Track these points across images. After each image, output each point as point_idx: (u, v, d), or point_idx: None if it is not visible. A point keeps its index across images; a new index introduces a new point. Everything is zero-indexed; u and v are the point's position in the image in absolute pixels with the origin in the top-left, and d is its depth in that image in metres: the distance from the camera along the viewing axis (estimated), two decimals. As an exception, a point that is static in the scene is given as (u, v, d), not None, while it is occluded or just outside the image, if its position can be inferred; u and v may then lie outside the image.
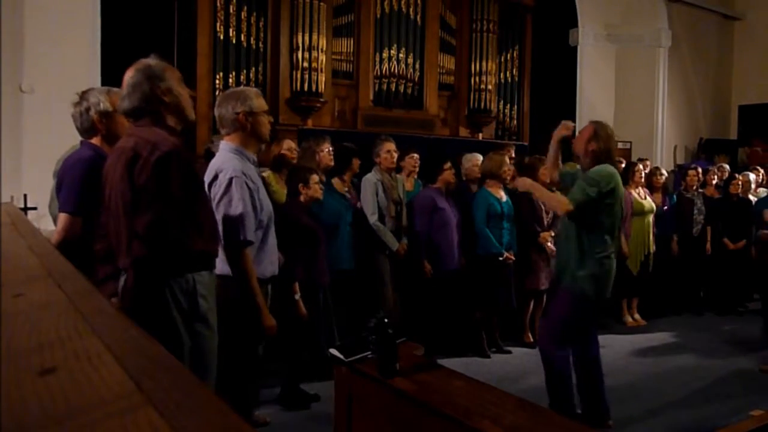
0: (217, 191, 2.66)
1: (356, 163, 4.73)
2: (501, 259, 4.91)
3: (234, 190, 2.64)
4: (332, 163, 4.57)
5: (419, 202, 4.92)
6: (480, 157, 5.29)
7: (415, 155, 5.21)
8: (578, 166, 3.71)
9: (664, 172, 6.64)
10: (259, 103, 2.81)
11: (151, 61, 2.26)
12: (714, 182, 7.00)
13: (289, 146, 4.48)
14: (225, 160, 2.73)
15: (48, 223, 3.03)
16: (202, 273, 2.22)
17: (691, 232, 6.60)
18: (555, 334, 3.51)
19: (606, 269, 3.43)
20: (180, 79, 2.29)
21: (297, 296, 3.71)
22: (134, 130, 2.23)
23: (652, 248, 6.14)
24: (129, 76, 2.24)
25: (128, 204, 2.09)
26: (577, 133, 3.77)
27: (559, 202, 3.50)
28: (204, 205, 2.31)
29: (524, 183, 3.73)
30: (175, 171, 2.10)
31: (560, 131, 3.74)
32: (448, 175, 4.93)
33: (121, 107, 2.28)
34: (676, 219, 6.55)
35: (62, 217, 2.55)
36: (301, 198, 3.88)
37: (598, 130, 3.51)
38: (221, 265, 2.56)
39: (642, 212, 6.01)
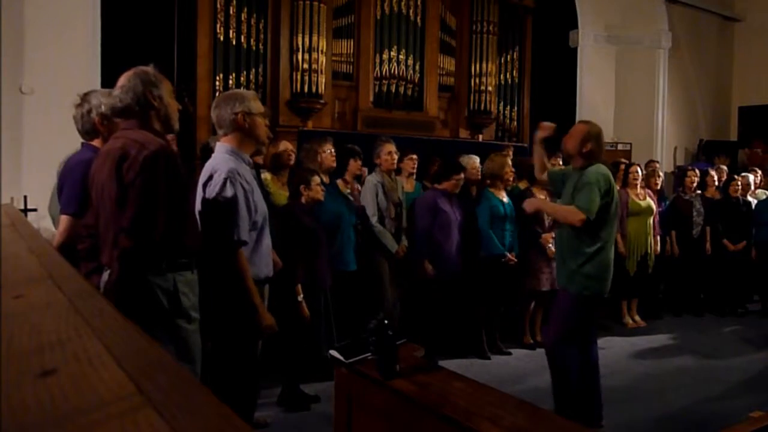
0: (211, 191, 2.67)
1: (353, 164, 4.72)
2: (504, 260, 4.91)
3: (228, 190, 2.65)
4: (334, 165, 4.57)
5: (421, 203, 4.92)
6: (477, 159, 5.28)
7: (414, 156, 5.20)
8: (560, 166, 3.73)
9: (661, 174, 6.66)
10: (257, 105, 2.85)
11: (149, 69, 2.36)
12: (715, 183, 6.99)
13: (285, 147, 4.46)
14: (220, 161, 2.75)
15: (49, 224, 3.04)
16: (182, 273, 2.27)
17: (690, 234, 6.60)
18: (559, 333, 3.51)
19: (603, 265, 3.43)
20: (171, 92, 2.40)
21: (300, 298, 3.71)
22: (122, 132, 2.30)
23: (655, 249, 6.16)
24: (125, 77, 2.32)
25: (116, 200, 2.16)
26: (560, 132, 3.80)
27: (571, 214, 3.41)
28: (188, 205, 2.37)
29: (532, 204, 3.81)
30: (162, 169, 2.16)
31: (541, 134, 3.79)
32: (455, 184, 4.89)
33: (112, 106, 2.37)
34: (672, 220, 6.57)
35: (64, 218, 2.56)
36: (302, 199, 3.88)
37: (591, 130, 3.53)
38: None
39: (639, 213, 6.02)
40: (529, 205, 3.79)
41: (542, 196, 4.96)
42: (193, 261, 2.36)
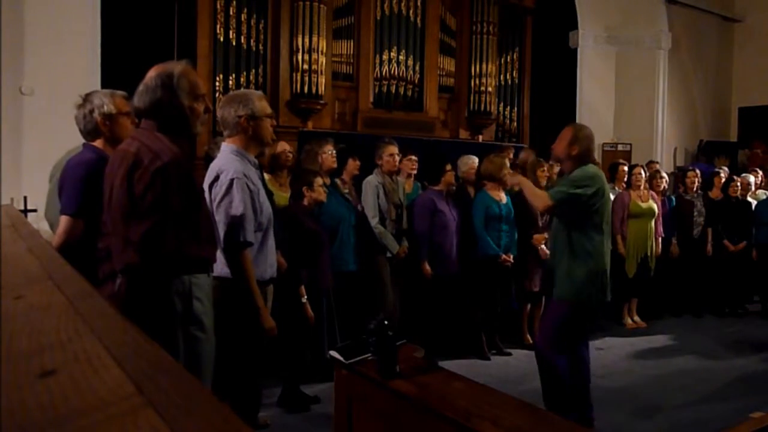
0: (217, 192, 2.66)
1: (352, 164, 4.73)
2: (499, 261, 4.91)
3: (235, 192, 2.64)
4: (335, 165, 4.58)
5: (419, 204, 4.93)
6: (476, 160, 5.28)
7: (413, 157, 5.19)
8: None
9: (664, 174, 6.65)
10: (262, 106, 2.80)
11: (176, 69, 2.25)
12: (720, 184, 6.95)
13: (282, 148, 4.46)
14: (226, 161, 2.73)
15: (47, 226, 3.03)
16: (198, 276, 2.21)
17: (691, 234, 6.60)
18: (551, 339, 3.47)
19: (594, 270, 3.39)
20: (198, 96, 2.28)
21: (304, 299, 3.71)
22: (138, 134, 2.24)
23: (656, 251, 6.15)
24: (149, 76, 2.24)
25: (125, 210, 2.10)
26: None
27: (539, 198, 3.48)
28: (202, 212, 2.30)
29: (514, 177, 3.81)
30: (174, 181, 2.10)
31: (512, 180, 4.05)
32: (449, 176, 4.93)
33: (133, 103, 2.29)
34: (675, 221, 6.55)
35: (63, 219, 2.54)
36: (305, 201, 3.87)
37: (578, 132, 3.49)
38: (220, 267, 2.56)
39: (640, 214, 6.01)
40: (511, 177, 3.80)
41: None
42: (210, 265, 2.30)
